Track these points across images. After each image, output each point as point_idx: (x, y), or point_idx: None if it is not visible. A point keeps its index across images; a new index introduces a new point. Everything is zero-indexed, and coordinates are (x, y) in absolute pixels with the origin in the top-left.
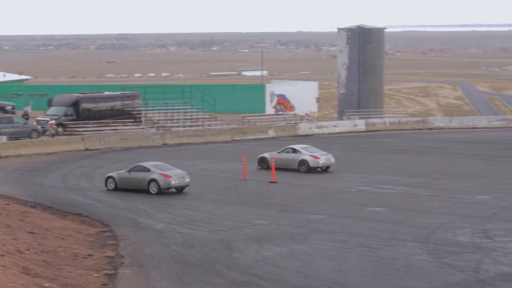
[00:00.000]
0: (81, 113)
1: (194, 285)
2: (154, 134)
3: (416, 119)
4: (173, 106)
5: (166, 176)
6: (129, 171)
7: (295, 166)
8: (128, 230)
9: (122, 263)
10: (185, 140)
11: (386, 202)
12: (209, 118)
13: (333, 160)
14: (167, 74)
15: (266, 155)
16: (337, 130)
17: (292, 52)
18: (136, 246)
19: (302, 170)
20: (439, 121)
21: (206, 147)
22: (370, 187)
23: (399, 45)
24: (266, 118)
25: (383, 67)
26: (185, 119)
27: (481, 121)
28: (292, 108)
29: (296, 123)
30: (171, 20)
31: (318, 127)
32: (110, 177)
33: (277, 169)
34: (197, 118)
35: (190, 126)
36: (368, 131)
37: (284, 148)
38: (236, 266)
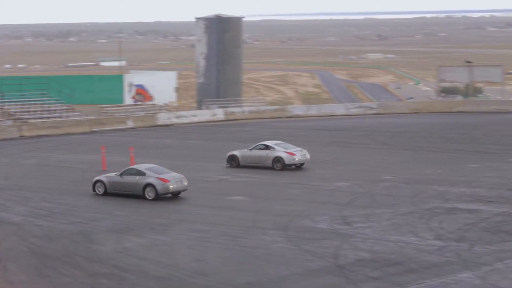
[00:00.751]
0: None
1: (53, 278)
2: (10, 126)
3: (274, 107)
4: (30, 98)
5: (164, 180)
6: (121, 174)
7: (269, 163)
8: None
9: None
10: (43, 132)
11: (247, 191)
12: (67, 109)
13: (308, 156)
14: (24, 65)
15: (236, 152)
16: (196, 119)
17: (151, 42)
18: None
19: (277, 168)
20: (298, 109)
21: (64, 138)
22: (230, 176)
23: (258, 34)
24: (125, 109)
25: (241, 56)
26: (42, 110)
27: (339, 109)
28: (150, 98)
29: (155, 113)
30: (27, 10)
31: (177, 117)
32: (98, 181)
33: (248, 167)
34: (55, 110)
35: (48, 117)
36: (227, 120)
37: (255, 144)
38: (97, 258)
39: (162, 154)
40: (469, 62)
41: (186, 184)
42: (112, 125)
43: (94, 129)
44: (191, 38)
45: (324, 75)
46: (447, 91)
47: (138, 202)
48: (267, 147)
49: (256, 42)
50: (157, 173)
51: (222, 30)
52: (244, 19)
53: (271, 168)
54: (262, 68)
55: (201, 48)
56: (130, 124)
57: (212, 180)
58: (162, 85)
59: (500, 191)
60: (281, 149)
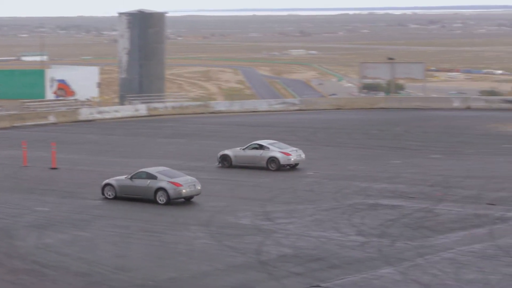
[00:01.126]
0: None
1: None
2: None
3: (198, 103)
4: None
5: (177, 184)
6: (131, 178)
7: (263, 164)
8: None
9: None
10: None
11: None
12: None
13: (303, 156)
14: None
15: (228, 152)
16: (119, 115)
17: (73, 37)
18: None
19: (272, 168)
20: (221, 105)
21: None
22: None
23: (181, 30)
24: (47, 104)
25: (164, 51)
26: None
27: (262, 105)
28: (73, 93)
29: (77, 109)
30: None
31: (99, 112)
32: (108, 184)
33: (241, 167)
34: None
35: None
36: (150, 115)
37: (249, 144)
38: (17, 254)
39: (84, 149)
40: (391, 58)
41: (199, 188)
42: (34, 120)
43: (15, 124)
44: (113, 33)
45: (247, 71)
46: (369, 88)
47: (59, 197)
48: (261, 147)
49: (179, 38)
50: (169, 177)
51: (145, 26)
52: (167, 14)
53: (266, 169)
54: (185, 63)
55: (124, 44)
56: (51, 119)
57: None
58: (84, 80)
59: (421, 187)
60: (276, 149)
